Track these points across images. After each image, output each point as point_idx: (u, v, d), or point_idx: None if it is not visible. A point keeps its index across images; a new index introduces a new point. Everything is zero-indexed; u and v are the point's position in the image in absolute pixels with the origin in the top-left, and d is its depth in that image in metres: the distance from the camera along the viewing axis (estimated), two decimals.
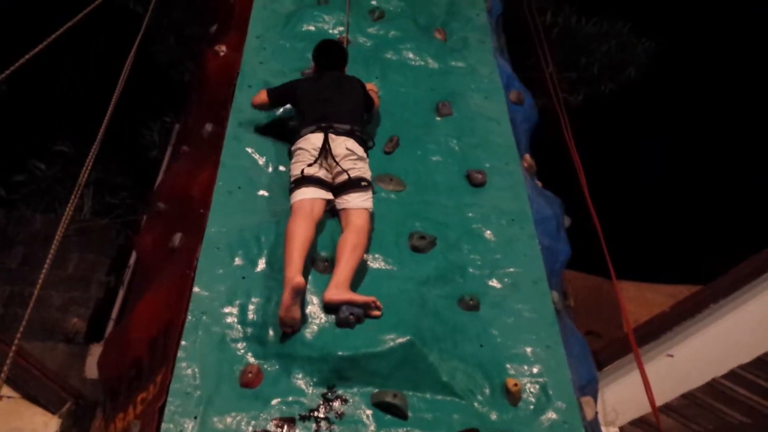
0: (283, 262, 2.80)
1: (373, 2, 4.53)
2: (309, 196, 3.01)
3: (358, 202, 3.05)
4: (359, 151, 3.15)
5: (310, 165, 3.07)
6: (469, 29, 4.57)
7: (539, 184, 4.05)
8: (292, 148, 3.22)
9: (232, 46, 4.13)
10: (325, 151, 3.09)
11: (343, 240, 2.92)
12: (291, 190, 3.07)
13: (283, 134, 3.57)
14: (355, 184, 3.07)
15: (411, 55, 4.23)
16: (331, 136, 3.12)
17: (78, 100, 6.85)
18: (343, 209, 3.06)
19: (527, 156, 4.05)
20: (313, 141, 3.12)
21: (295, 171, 3.09)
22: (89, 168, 3.64)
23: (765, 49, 7.73)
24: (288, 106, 3.59)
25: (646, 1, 7.49)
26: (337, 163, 3.07)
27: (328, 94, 3.37)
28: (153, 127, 7.23)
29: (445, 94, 4.03)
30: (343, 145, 3.10)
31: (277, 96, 3.49)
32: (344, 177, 3.07)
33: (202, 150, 3.68)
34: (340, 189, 3.09)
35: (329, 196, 3.08)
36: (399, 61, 4.19)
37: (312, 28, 4.27)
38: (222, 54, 4.11)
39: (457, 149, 3.74)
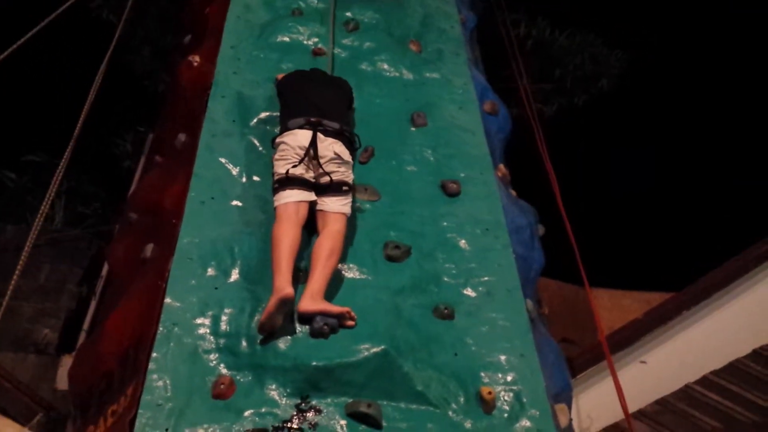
0: (272, 268, 2.78)
1: (348, 14, 4.55)
2: (294, 199, 2.98)
3: (337, 206, 3.03)
4: (345, 155, 3.12)
5: (295, 166, 3.02)
6: (443, 41, 4.61)
7: (513, 193, 4.09)
8: (277, 140, 3.16)
9: (206, 56, 4.11)
10: (311, 151, 3.05)
11: (319, 245, 2.90)
12: (275, 190, 3.03)
13: (258, 143, 3.57)
14: (336, 188, 3.05)
15: (386, 66, 4.25)
16: (320, 135, 3.07)
17: (50, 109, 6.76)
18: (321, 211, 3.04)
19: (501, 166, 4.09)
20: (300, 139, 3.06)
21: (279, 169, 3.04)
22: (60, 177, 3.60)
23: (734, 60, 7.92)
24: None
25: (618, 14, 7.63)
26: (321, 166, 3.04)
27: (318, 86, 3.39)
28: (126, 137, 7.17)
29: (420, 104, 4.05)
30: (330, 148, 3.07)
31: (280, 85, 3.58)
32: (326, 179, 3.05)
33: (175, 160, 3.65)
34: (320, 189, 3.07)
35: (313, 197, 3.05)
36: (374, 72, 4.21)
37: (286, 39, 4.26)
38: (196, 64, 4.09)
39: (431, 159, 3.76)
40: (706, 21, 7.97)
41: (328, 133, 3.10)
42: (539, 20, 7.60)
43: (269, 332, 2.70)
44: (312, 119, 3.12)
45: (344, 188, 3.07)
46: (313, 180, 3.07)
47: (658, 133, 7.90)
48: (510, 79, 5.71)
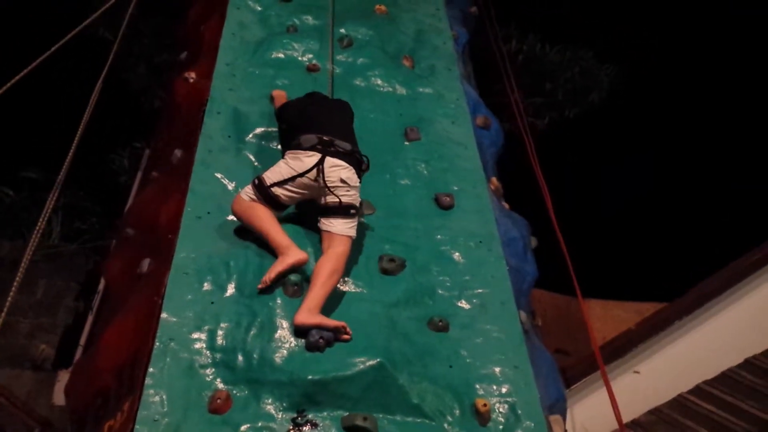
0: (264, 235, 3.02)
1: (342, 30, 4.61)
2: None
3: (343, 228, 3.06)
4: (352, 181, 3.10)
5: (284, 183, 3.07)
6: (436, 57, 4.68)
7: (506, 206, 4.13)
8: (288, 154, 3.18)
9: (201, 73, 4.16)
10: (317, 171, 3.06)
11: (322, 264, 2.94)
12: (254, 185, 3.09)
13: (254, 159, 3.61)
14: (344, 211, 3.07)
15: (379, 82, 4.32)
16: (328, 159, 3.08)
17: (47, 125, 6.80)
18: (327, 232, 3.08)
19: (494, 179, 4.14)
20: (306, 162, 3.07)
21: (270, 177, 3.09)
22: (57, 193, 3.63)
23: (724, 74, 8.01)
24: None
25: (608, 29, 7.72)
26: (329, 189, 3.05)
27: (324, 108, 3.45)
28: (123, 153, 7.20)
29: (413, 119, 4.11)
30: (337, 174, 3.06)
31: (279, 115, 3.65)
32: (335, 200, 3.06)
33: (171, 176, 3.68)
34: (327, 210, 3.10)
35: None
36: (368, 87, 4.27)
37: (281, 55, 4.32)
38: (191, 81, 4.14)
39: (425, 173, 3.81)
40: (695, 34, 8.08)
41: (339, 155, 3.10)
42: (530, 36, 7.69)
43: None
44: (325, 138, 3.14)
45: (351, 211, 3.09)
46: (286, 202, 3.13)
47: (649, 145, 7.98)
48: (502, 94, 5.77)
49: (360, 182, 3.20)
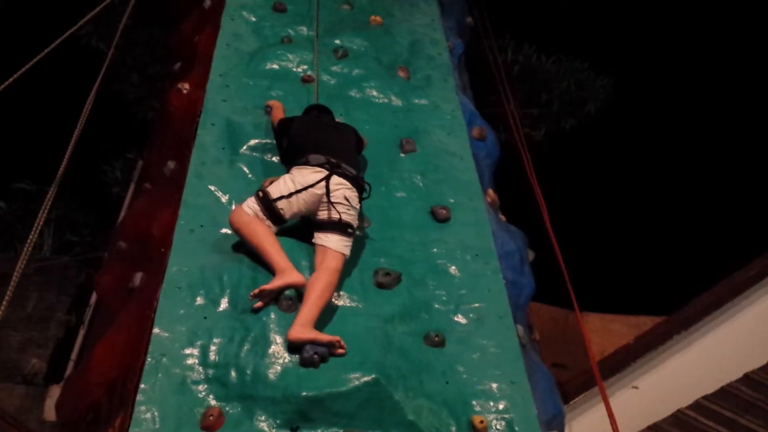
0: (263, 254, 2.97)
1: (337, 41, 4.59)
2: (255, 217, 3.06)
3: (339, 245, 3.05)
4: (354, 202, 3.14)
5: (289, 196, 3.06)
6: (431, 68, 4.66)
7: (503, 218, 4.10)
8: (292, 168, 3.19)
9: (195, 83, 4.13)
10: (323, 186, 3.08)
11: (317, 278, 2.92)
12: (257, 198, 3.06)
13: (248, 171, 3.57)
14: (341, 228, 3.07)
15: (375, 93, 4.29)
16: (335, 177, 3.10)
17: (40, 137, 6.75)
18: (322, 246, 3.06)
19: (490, 191, 4.10)
20: (312, 177, 3.09)
21: (273, 191, 3.08)
22: (49, 205, 3.58)
23: (718, 85, 8.04)
24: None
25: (603, 39, 7.74)
26: (332, 204, 3.06)
27: (331, 132, 3.46)
28: (115, 165, 7.16)
29: (408, 130, 4.08)
30: (342, 192, 3.09)
31: (280, 131, 3.61)
32: (335, 216, 3.06)
33: (164, 188, 3.64)
34: (324, 225, 3.09)
35: (271, 228, 3.09)
36: (363, 98, 4.25)
37: (276, 66, 4.30)
38: (185, 92, 4.11)
39: (421, 185, 3.78)
40: (691, 45, 8.11)
41: (345, 176, 3.14)
42: (525, 46, 7.71)
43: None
44: (332, 160, 3.18)
45: (349, 230, 3.09)
46: (286, 217, 3.10)
47: (644, 157, 7.99)
48: (498, 105, 5.77)
49: (360, 207, 3.22)
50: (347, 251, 3.08)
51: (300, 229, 3.23)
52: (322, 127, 3.53)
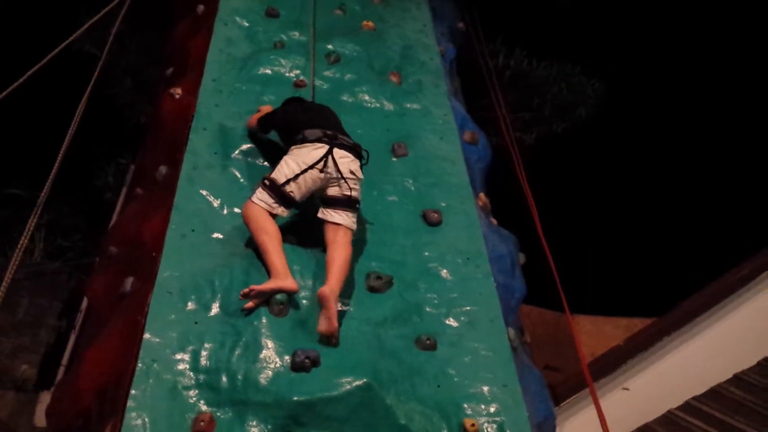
0: (264, 255, 2.97)
1: (329, 46, 4.61)
2: (270, 210, 3.06)
3: (349, 221, 3.10)
4: (359, 173, 3.19)
5: (295, 178, 3.06)
6: (423, 72, 4.68)
7: (494, 222, 4.12)
8: (293, 148, 3.19)
9: (187, 88, 4.13)
10: (326, 162, 3.09)
11: (337, 253, 2.99)
12: (264, 186, 3.07)
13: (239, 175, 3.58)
14: (352, 204, 3.12)
15: (367, 98, 4.31)
16: (336, 151, 3.12)
17: (31, 141, 6.74)
18: (334, 223, 3.08)
19: (482, 195, 4.12)
20: (314, 155, 3.10)
21: (278, 175, 3.08)
22: (40, 210, 3.58)
23: (709, 89, 8.09)
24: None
25: (594, 44, 7.78)
26: (344, 179, 3.09)
27: (317, 108, 3.51)
28: (107, 169, 7.14)
29: (400, 135, 4.10)
30: (347, 166, 3.12)
31: (265, 123, 3.60)
32: (346, 193, 3.09)
33: (156, 192, 3.64)
34: (334, 202, 3.11)
35: (285, 213, 3.11)
36: (355, 103, 4.26)
37: (268, 71, 4.31)
38: (178, 96, 4.11)
39: (413, 189, 3.79)
40: (682, 48, 8.16)
41: (344, 147, 3.17)
42: (517, 51, 7.74)
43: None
44: (328, 132, 3.20)
45: (357, 206, 3.15)
46: (297, 199, 3.11)
47: (635, 161, 8.03)
48: (489, 109, 5.79)
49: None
50: (355, 227, 3.15)
51: (298, 231, 3.26)
52: (308, 105, 3.58)
